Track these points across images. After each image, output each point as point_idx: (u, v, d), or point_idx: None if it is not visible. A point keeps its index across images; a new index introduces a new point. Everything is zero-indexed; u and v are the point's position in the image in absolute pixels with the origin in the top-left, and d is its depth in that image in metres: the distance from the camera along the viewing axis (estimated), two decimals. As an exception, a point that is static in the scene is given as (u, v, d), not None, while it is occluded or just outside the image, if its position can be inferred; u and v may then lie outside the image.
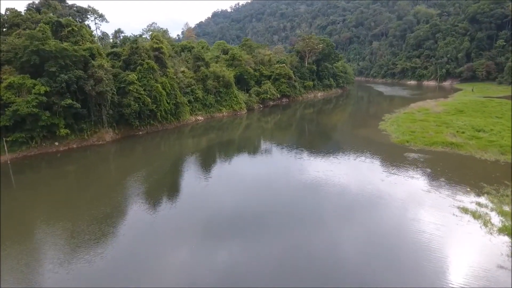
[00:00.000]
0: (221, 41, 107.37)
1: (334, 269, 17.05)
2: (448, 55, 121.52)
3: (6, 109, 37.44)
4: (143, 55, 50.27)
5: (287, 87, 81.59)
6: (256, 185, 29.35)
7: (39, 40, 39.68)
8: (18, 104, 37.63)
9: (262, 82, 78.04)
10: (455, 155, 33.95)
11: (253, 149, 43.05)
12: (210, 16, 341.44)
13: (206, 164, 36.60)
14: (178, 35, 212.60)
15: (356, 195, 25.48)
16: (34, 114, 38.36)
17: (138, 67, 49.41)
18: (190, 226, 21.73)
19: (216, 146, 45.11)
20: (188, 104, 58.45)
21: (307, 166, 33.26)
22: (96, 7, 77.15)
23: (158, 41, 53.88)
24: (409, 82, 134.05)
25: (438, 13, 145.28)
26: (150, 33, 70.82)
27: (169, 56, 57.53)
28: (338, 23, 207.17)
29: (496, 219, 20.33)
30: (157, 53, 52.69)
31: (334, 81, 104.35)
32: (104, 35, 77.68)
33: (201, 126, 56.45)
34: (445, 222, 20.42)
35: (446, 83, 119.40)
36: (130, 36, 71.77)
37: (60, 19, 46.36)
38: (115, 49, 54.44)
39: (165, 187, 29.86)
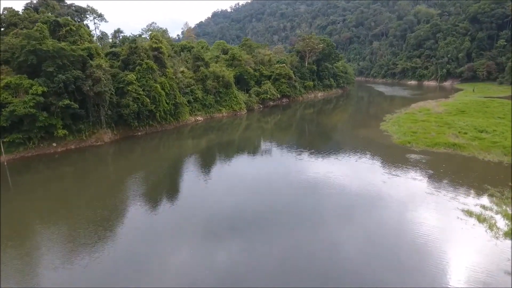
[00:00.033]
0: (221, 41, 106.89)
1: (334, 270, 16.80)
2: (449, 55, 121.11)
3: (3, 110, 36.98)
4: (142, 55, 49.81)
5: (287, 87, 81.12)
6: (256, 186, 29.01)
7: (37, 39, 39.21)
8: (15, 105, 37.17)
9: (262, 82, 77.58)
10: (457, 156, 33.50)
11: (253, 150, 42.62)
12: (210, 16, 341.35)
13: (206, 165, 36.18)
14: (178, 35, 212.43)
15: (358, 197, 25.04)
16: (31, 114, 37.89)
17: (137, 67, 48.94)
18: (190, 227, 21.49)
19: (215, 147, 44.68)
20: (188, 105, 58.00)
21: (307, 167, 32.82)
22: (95, 7, 76.65)
23: (157, 41, 53.42)
24: (409, 82, 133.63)
25: (439, 13, 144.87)
26: (149, 33, 70.35)
27: (168, 56, 57.08)
28: (338, 23, 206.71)
29: (501, 223, 19.88)
30: (156, 53, 52.23)
31: (334, 81, 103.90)
32: (103, 35, 77.14)
33: (200, 127, 56.00)
34: (450, 226, 19.99)
35: (447, 83, 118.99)
36: (130, 36, 71.36)
37: (58, 19, 45.87)
38: (114, 49, 53.99)
39: (165, 188, 29.47)
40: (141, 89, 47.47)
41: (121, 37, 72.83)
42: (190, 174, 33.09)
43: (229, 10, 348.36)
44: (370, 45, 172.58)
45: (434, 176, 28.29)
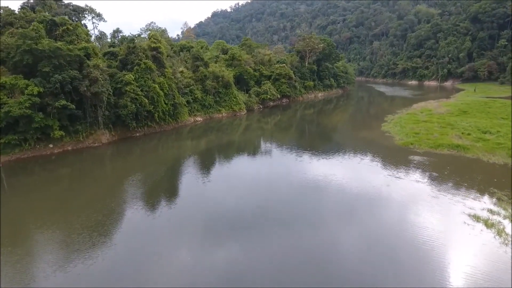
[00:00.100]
0: (221, 40, 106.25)
1: (334, 271, 16.46)
2: (450, 55, 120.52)
3: (-2, 111, 36.26)
4: (140, 54, 49.11)
5: (287, 87, 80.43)
6: (256, 187, 28.66)
7: (32, 39, 38.51)
8: (11, 105, 36.45)
9: (262, 82, 76.88)
10: (462, 158, 32.85)
11: (253, 151, 41.96)
12: (210, 16, 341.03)
13: (205, 166, 35.53)
14: (177, 35, 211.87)
15: (361, 200, 24.37)
16: (27, 115, 37.18)
17: (135, 67, 48.25)
18: (190, 229, 21.22)
19: (215, 148, 44.05)
20: (187, 105, 57.29)
21: (308, 169, 32.14)
22: (95, 7, 76.19)
23: (155, 41, 52.70)
24: (410, 82, 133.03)
25: (439, 13, 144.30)
26: (148, 32, 69.64)
27: (167, 56, 56.40)
28: (338, 23, 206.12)
29: (510, 228, 19.20)
30: (154, 52, 51.52)
31: (334, 81, 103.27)
32: (102, 35, 76.45)
33: (200, 127, 55.32)
34: (457, 232, 19.31)
35: (448, 83, 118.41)
36: (128, 36, 70.60)
37: (55, 18, 45.18)
38: (112, 49, 53.28)
39: (163, 190, 28.83)
40: (139, 90, 46.77)
41: (120, 37, 72.09)
42: (189, 176, 32.45)
43: (229, 10, 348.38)
44: (371, 45, 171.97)
45: (439, 179, 27.61)
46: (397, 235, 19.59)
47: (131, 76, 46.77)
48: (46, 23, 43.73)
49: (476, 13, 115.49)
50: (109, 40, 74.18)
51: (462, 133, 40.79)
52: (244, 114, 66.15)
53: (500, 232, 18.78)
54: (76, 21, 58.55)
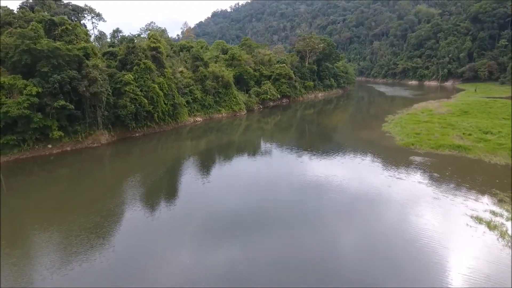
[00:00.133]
0: (220, 40, 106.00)
1: (335, 272, 16.08)
2: (450, 55, 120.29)
3: (-4, 111, 36.03)
4: (140, 54, 48.87)
5: (287, 87, 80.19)
6: (256, 187, 28.47)
7: (31, 39, 38.27)
8: (9, 106, 36.23)
9: (262, 82, 76.64)
10: (463, 159, 32.61)
11: (253, 151, 41.70)
12: (210, 16, 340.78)
13: (205, 167, 35.31)
14: (177, 35, 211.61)
15: (362, 201, 24.13)
16: (25, 116, 36.95)
17: (135, 67, 48.02)
18: (189, 230, 21.05)
19: (215, 148, 43.83)
20: (187, 105, 57.05)
21: (308, 169, 31.91)
22: (96, 7, 76.04)
23: (155, 41, 52.46)
24: (410, 82, 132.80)
25: (439, 13, 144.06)
26: (148, 32, 69.37)
27: (167, 56, 56.16)
28: (338, 23, 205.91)
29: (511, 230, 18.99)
30: (154, 52, 51.29)
31: (335, 81, 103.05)
32: (102, 35, 76.21)
33: (199, 128, 55.09)
34: (459, 234, 19.07)
35: (448, 83, 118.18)
36: (128, 36, 70.35)
37: (54, 18, 44.94)
38: (111, 49, 53.05)
39: (163, 191, 28.64)
40: (138, 90, 46.54)
41: (119, 37, 71.85)
42: (189, 176, 32.24)
43: (229, 10, 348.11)
44: (371, 45, 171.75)
45: (440, 180, 27.38)
46: (399, 237, 19.36)
47: (131, 76, 46.54)
48: (45, 22, 43.51)
49: (477, 13, 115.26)
50: (108, 40, 73.97)
51: (463, 133, 40.54)
52: (244, 114, 65.91)
53: (503, 234, 18.54)
54: (76, 21, 58.28)
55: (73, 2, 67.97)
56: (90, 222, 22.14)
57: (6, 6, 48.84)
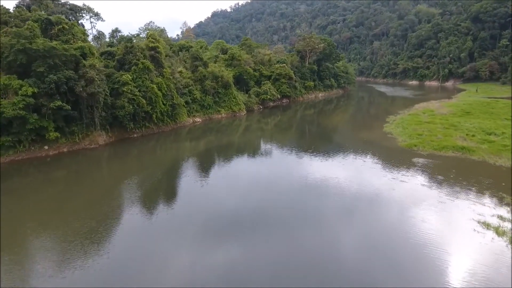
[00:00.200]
0: (220, 40, 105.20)
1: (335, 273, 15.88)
2: (451, 55, 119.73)
3: (-9, 112, 35.33)
4: (138, 54, 48.19)
5: (287, 87, 79.54)
6: (256, 188, 28.14)
7: (27, 38, 37.56)
8: (4, 106, 35.54)
9: (262, 82, 75.98)
10: (467, 161, 31.98)
11: (253, 152, 41.09)
12: (209, 16, 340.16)
13: (205, 168, 34.72)
14: (177, 35, 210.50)
15: (365, 204, 23.51)
16: (21, 116, 36.24)
17: (133, 67, 47.33)
18: (189, 231, 20.82)
19: (214, 149, 43.23)
20: (186, 105, 56.35)
21: (309, 170, 31.26)
22: (94, 6, 75.29)
23: (154, 40, 51.78)
24: (410, 82, 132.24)
25: (440, 13, 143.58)
26: (147, 32, 68.71)
27: (166, 56, 55.49)
28: (338, 23, 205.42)
29: (522, 236, 18.33)
30: (153, 52, 50.61)
31: (335, 81, 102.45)
32: (100, 34, 75.43)
33: (199, 128, 54.42)
34: (467, 240, 18.41)
35: (449, 83, 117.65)
36: (127, 36, 69.65)
37: (50, 17, 44.22)
38: (109, 49, 52.35)
39: (161, 193, 28.11)
40: (137, 90, 45.84)
41: (118, 37, 71.13)
42: (188, 177, 31.72)
43: (229, 10, 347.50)
44: (371, 45, 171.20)
45: (445, 183, 26.74)
46: (404, 242, 18.71)
47: (129, 76, 45.85)
48: (41, 22, 42.79)
49: (477, 13, 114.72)
50: (107, 40, 73.25)
51: (467, 134, 39.93)
52: (244, 114, 65.25)
53: (512, 241, 17.91)
54: (73, 20, 57.51)
55: (71, 2, 67.34)
56: (86, 226, 21.47)
57: (2, 5, 48.09)
